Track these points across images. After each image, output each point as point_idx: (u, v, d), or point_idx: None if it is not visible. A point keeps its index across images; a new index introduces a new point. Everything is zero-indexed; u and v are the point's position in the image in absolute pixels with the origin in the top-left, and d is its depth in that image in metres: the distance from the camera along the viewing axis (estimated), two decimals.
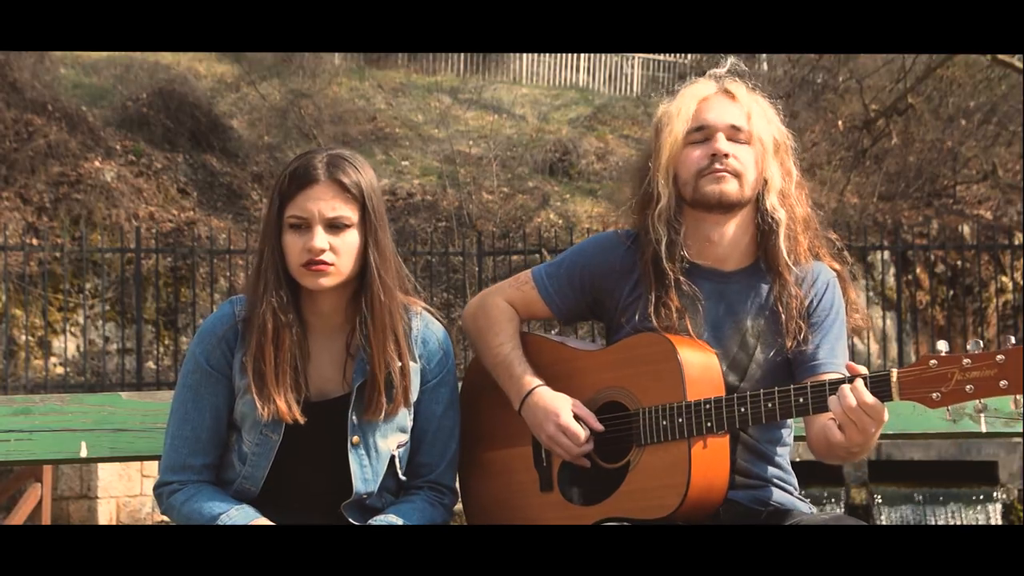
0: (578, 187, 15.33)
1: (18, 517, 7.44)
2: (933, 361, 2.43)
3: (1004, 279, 13.14)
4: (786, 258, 2.76)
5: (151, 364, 11.47)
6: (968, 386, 2.40)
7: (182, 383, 2.78)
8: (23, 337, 11.33)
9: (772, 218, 2.76)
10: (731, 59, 2.89)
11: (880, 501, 9.44)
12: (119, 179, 13.26)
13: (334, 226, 2.68)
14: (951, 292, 12.84)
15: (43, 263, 11.42)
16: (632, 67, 19.76)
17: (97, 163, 13.35)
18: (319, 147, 2.82)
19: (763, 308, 2.77)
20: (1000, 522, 9.38)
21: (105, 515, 9.05)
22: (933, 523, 9.16)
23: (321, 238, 2.66)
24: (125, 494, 9.16)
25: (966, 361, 2.40)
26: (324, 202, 2.66)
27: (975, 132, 14.87)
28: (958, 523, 9.27)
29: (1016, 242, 12.93)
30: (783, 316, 2.74)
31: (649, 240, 2.78)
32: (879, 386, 2.47)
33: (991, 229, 13.14)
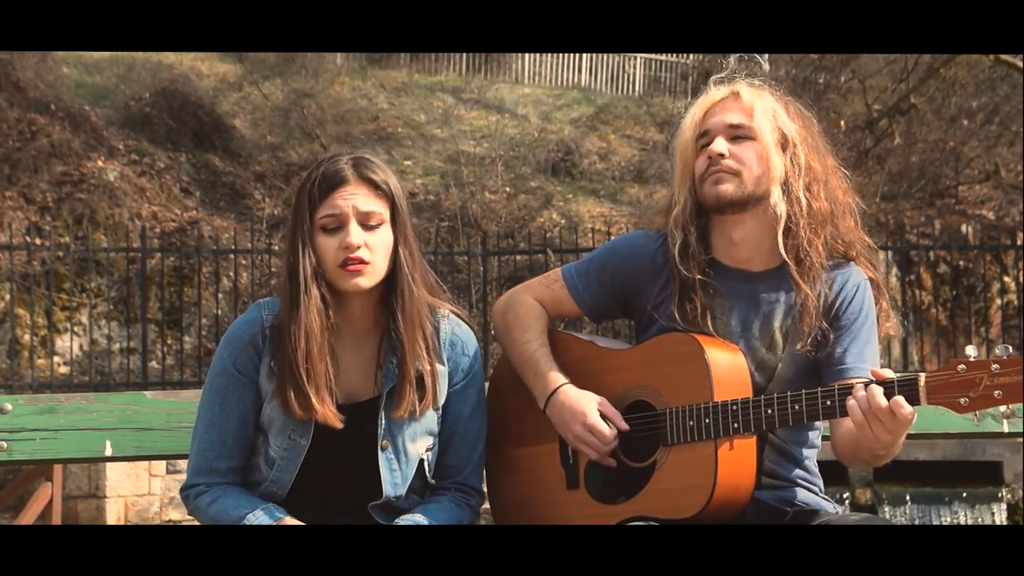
0: (580, 187, 15.33)
1: (28, 516, 7.42)
2: (961, 366, 2.43)
3: (1007, 279, 13.13)
4: (783, 254, 2.74)
5: (154, 364, 11.47)
6: (996, 391, 2.40)
7: (209, 386, 2.78)
8: (26, 336, 11.34)
9: (774, 212, 2.75)
10: (733, 59, 2.90)
11: (885, 501, 9.43)
12: (122, 179, 13.26)
13: (367, 224, 2.69)
14: (954, 292, 12.82)
15: (46, 262, 11.42)
16: (634, 67, 19.75)
17: (100, 163, 13.35)
18: (340, 152, 2.82)
19: (790, 309, 2.76)
20: (1005, 522, 9.37)
21: (113, 514, 9.05)
22: (937, 523, 9.15)
23: (357, 234, 2.66)
24: (133, 493, 9.16)
25: (995, 366, 2.40)
26: (357, 199, 2.68)
27: (977, 132, 14.86)
28: (962, 523, 9.26)
29: (1018, 242, 12.92)
30: (796, 319, 2.74)
31: (673, 239, 2.81)
32: (907, 390, 2.47)
33: (993, 229, 13.14)
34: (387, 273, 2.72)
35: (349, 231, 2.67)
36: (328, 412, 2.67)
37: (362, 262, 2.67)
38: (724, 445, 2.60)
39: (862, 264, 2.83)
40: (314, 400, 2.66)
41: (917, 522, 9.26)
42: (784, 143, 2.77)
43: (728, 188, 2.74)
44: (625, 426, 2.72)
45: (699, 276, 2.75)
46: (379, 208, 2.70)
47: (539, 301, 2.93)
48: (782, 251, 2.74)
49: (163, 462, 8.97)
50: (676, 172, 2.84)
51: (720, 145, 2.75)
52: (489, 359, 9.72)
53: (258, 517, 2.68)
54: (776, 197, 2.74)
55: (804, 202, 2.75)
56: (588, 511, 2.75)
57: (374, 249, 2.68)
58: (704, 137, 2.79)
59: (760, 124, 2.76)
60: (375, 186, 2.70)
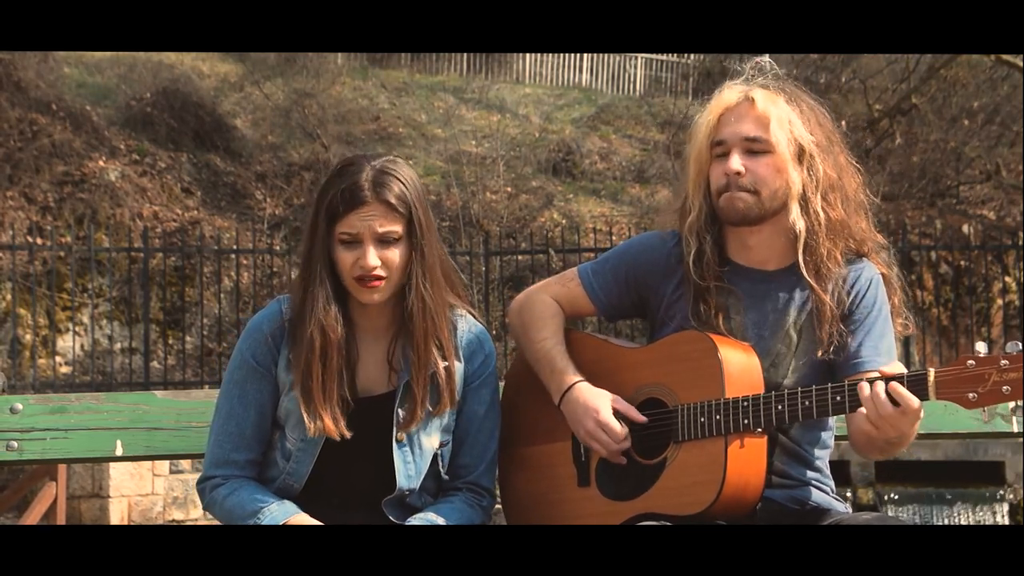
0: (581, 187, 15.34)
1: (33, 516, 7.43)
2: (971, 361, 2.45)
3: (1008, 279, 13.12)
4: (803, 269, 2.75)
5: (156, 364, 11.48)
6: (1005, 387, 2.42)
7: (228, 379, 2.82)
8: (28, 336, 11.34)
9: (793, 228, 2.76)
10: (757, 59, 2.87)
11: (887, 500, 9.43)
12: (123, 178, 13.27)
13: (384, 240, 2.72)
14: (955, 292, 12.82)
15: (48, 262, 11.42)
16: (635, 67, 19.75)
17: (101, 162, 13.36)
18: (361, 156, 2.83)
19: (804, 306, 2.78)
20: (1006, 522, 9.37)
21: (117, 514, 9.05)
22: (939, 523, 9.15)
23: (373, 256, 2.71)
24: (136, 493, 9.17)
25: (1003, 362, 2.42)
26: (374, 220, 2.71)
27: (978, 132, 14.86)
28: (964, 523, 9.26)
29: (1019, 242, 12.90)
30: (815, 323, 2.76)
31: (688, 246, 2.82)
32: (915, 385, 2.49)
33: (994, 229, 13.13)
34: (404, 279, 2.76)
35: (367, 253, 2.71)
36: (327, 425, 2.70)
37: (378, 279, 2.72)
38: (734, 442, 2.61)
39: (874, 260, 2.85)
40: (304, 414, 2.70)
41: (919, 522, 9.26)
42: (800, 155, 2.77)
43: (745, 206, 2.74)
44: (641, 417, 2.73)
45: (714, 283, 2.77)
46: (396, 227, 2.73)
47: (555, 299, 2.95)
48: (802, 267, 2.75)
49: (166, 462, 8.97)
50: (690, 176, 2.83)
51: (736, 163, 2.74)
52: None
53: (272, 511, 2.70)
54: (795, 213, 2.75)
55: (822, 215, 2.76)
56: (599, 508, 2.76)
57: (390, 265, 2.73)
58: (719, 147, 2.78)
59: (776, 137, 2.75)
60: (392, 207, 2.72)
